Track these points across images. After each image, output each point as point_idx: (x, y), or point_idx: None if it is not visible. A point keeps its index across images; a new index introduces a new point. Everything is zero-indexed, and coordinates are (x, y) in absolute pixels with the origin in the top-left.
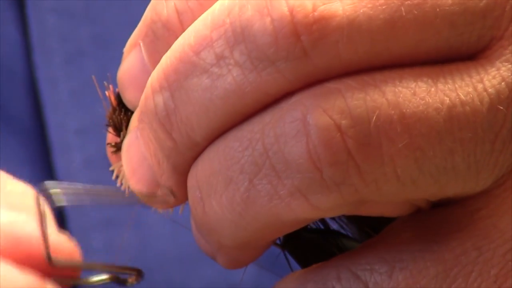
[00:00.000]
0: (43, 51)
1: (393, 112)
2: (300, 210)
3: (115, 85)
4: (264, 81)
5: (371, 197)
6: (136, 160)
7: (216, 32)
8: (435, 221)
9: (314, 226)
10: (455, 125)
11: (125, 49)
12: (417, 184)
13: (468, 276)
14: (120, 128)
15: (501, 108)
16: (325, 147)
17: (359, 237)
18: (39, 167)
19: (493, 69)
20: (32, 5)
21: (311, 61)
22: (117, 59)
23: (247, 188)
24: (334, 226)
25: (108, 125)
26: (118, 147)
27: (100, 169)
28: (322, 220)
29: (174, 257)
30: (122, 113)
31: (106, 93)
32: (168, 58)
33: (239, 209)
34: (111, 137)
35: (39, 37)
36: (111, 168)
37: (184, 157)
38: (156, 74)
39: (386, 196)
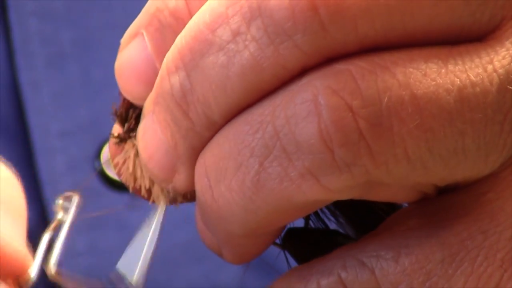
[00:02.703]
0: (25, 55)
1: (404, 93)
2: (311, 192)
3: (97, 86)
4: (282, 55)
5: (382, 179)
6: (153, 144)
7: (232, 9)
8: (440, 206)
9: (314, 226)
10: (465, 106)
11: (123, 40)
12: (427, 166)
13: (474, 260)
14: (126, 118)
15: (511, 88)
16: (336, 127)
17: (358, 237)
18: (23, 170)
19: (503, 49)
20: (14, 9)
21: (329, 35)
22: (99, 62)
23: (257, 171)
24: (333, 226)
25: (114, 115)
26: (121, 138)
27: (83, 171)
28: (322, 220)
29: (159, 259)
30: (129, 104)
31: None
32: (182, 38)
33: (250, 193)
34: (116, 129)
35: (21, 41)
36: (115, 160)
37: (201, 138)
38: (171, 55)
39: (396, 178)
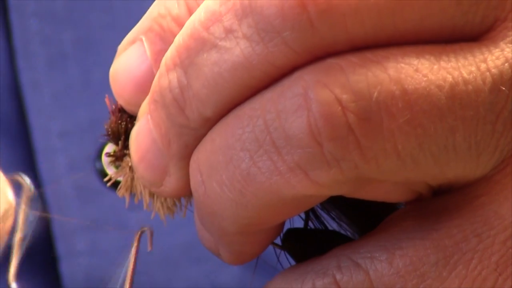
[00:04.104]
0: (26, 55)
1: (394, 87)
2: (300, 186)
3: (97, 87)
4: (271, 52)
5: (371, 174)
6: (145, 145)
7: (225, 7)
8: (435, 208)
9: (313, 226)
10: (457, 103)
11: (121, 46)
12: (417, 162)
13: (468, 263)
14: (119, 136)
15: (503, 89)
16: (325, 121)
17: (358, 237)
18: (23, 171)
19: (497, 50)
20: (14, 10)
21: (318, 33)
22: (100, 62)
23: (247, 165)
24: (334, 226)
25: (106, 134)
26: (116, 156)
27: (84, 172)
28: (322, 220)
29: (159, 259)
30: (121, 120)
31: (106, 100)
32: (180, 36)
33: (240, 187)
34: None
35: (22, 41)
36: (107, 178)
37: (196, 135)
38: (169, 53)
39: (386, 173)
